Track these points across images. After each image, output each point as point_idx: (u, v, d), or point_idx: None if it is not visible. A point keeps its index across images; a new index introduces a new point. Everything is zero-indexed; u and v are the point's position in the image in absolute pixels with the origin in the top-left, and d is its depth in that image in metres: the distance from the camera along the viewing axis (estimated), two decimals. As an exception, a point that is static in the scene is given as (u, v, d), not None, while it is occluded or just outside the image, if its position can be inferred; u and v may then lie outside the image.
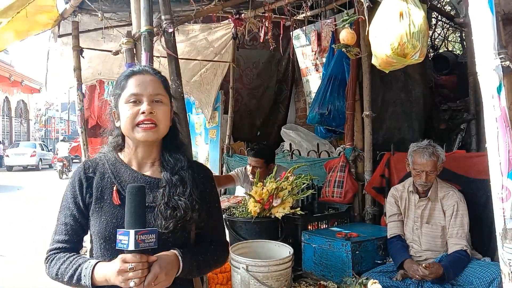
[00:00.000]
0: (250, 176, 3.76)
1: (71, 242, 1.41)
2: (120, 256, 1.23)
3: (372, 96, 3.72)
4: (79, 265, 1.32)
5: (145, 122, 1.36)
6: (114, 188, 1.39)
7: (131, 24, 4.14)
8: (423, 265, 2.56)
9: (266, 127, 6.37)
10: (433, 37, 5.95)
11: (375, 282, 2.30)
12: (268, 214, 3.03)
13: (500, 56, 0.93)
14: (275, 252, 2.79)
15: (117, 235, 1.23)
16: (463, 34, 5.75)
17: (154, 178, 1.43)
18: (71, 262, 1.34)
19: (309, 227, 3.32)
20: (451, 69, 5.07)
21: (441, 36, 6.05)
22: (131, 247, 1.18)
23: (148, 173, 1.45)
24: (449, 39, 6.75)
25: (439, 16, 5.73)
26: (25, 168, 23.36)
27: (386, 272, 2.80)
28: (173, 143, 1.49)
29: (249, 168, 3.79)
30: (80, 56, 4.14)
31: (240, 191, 4.51)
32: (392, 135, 3.93)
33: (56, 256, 1.39)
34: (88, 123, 7.93)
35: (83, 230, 1.42)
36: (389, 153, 3.62)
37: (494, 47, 0.94)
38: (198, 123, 6.78)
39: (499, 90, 0.93)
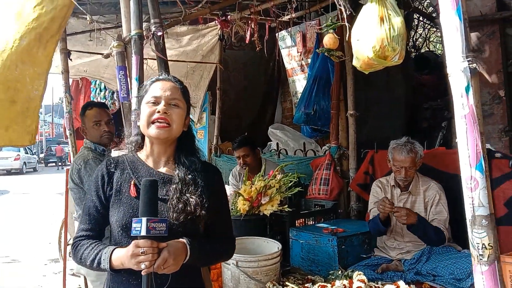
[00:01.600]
0: (243, 170, 3.87)
1: (94, 231, 1.56)
2: (134, 242, 1.35)
3: (356, 96, 3.84)
4: (100, 251, 1.46)
5: (159, 121, 1.50)
6: (132, 182, 1.53)
7: (118, 27, 4.22)
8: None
9: (253, 127, 6.44)
10: (414, 37, 6.10)
11: (359, 274, 2.39)
12: (256, 212, 3.12)
13: (468, 59, 1.03)
14: (264, 248, 2.88)
15: (132, 223, 1.36)
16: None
17: (168, 175, 1.57)
18: (93, 248, 1.49)
19: (296, 224, 3.41)
20: (432, 69, 5.21)
21: (423, 37, 6.21)
22: (143, 233, 1.31)
23: (163, 170, 1.59)
24: (430, 40, 6.92)
25: (420, 17, 5.88)
26: (9, 172, 23.03)
27: (371, 265, 2.89)
28: (189, 146, 1.64)
29: (238, 162, 3.97)
30: (68, 58, 4.17)
31: (227, 189, 4.58)
32: (375, 134, 4.05)
33: (80, 242, 1.53)
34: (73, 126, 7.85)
35: (104, 220, 1.57)
36: (372, 151, 3.73)
37: (462, 51, 1.03)
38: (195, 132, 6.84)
39: (467, 89, 1.03)
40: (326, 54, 2.55)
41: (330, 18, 2.40)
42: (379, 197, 3.07)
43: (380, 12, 1.83)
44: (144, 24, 2.51)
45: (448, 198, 2.88)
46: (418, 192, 2.95)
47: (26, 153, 25.28)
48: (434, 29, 6.71)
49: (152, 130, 1.51)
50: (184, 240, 1.45)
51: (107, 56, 2.72)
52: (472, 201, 1.04)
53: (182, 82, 1.66)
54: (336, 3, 2.00)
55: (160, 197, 1.46)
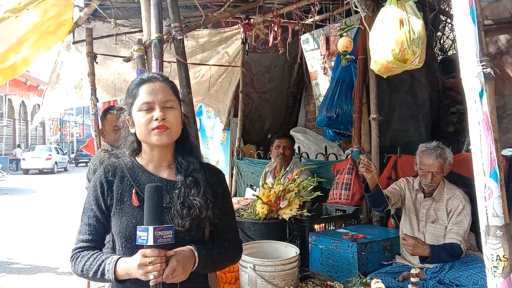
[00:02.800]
0: (277, 160, 4.18)
1: (94, 241, 1.50)
2: (140, 251, 1.32)
3: (378, 99, 3.76)
4: (103, 261, 1.41)
5: (159, 128, 1.45)
6: (133, 190, 1.48)
7: (141, 31, 4.30)
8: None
9: (276, 130, 6.43)
10: (441, 40, 5.95)
11: (378, 281, 2.34)
12: (275, 216, 3.10)
13: (482, 63, 0.99)
14: (282, 252, 2.86)
15: (137, 232, 1.32)
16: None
17: (170, 180, 1.52)
18: (95, 258, 1.44)
19: (316, 229, 3.37)
20: (459, 72, 5.06)
21: (450, 39, 6.05)
22: (150, 242, 1.28)
23: (164, 175, 1.54)
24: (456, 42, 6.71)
25: (447, 19, 5.74)
26: (41, 171, 23.77)
27: (392, 273, 2.83)
28: (185, 145, 1.59)
29: (277, 152, 4.17)
30: (94, 62, 4.28)
31: (249, 193, 4.59)
32: (398, 138, 3.96)
33: (80, 254, 1.48)
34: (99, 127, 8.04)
35: (105, 230, 1.52)
36: (395, 156, 3.66)
37: (476, 55, 1.00)
38: (208, 127, 6.88)
39: (481, 95, 0.99)
40: (342, 57, 2.52)
41: (345, 21, 2.37)
42: (400, 185, 3.07)
43: (399, 14, 1.79)
44: (165, 28, 2.55)
45: (474, 205, 2.79)
46: (442, 200, 2.87)
47: (58, 153, 26.04)
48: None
49: (154, 138, 1.46)
50: (191, 247, 1.42)
51: (128, 59, 2.77)
52: (486, 211, 1.00)
53: (168, 77, 1.58)
54: (352, 6, 1.97)
55: (164, 204, 1.41)
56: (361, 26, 2.10)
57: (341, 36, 2.36)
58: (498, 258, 0.99)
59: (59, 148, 28.06)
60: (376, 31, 1.90)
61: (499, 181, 0.98)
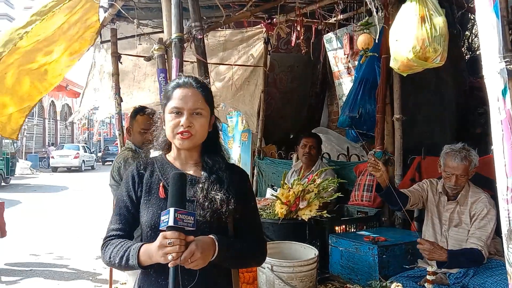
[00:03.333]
0: (303, 159, 4.18)
1: (124, 231, 1.57)
2: (161, 233, 1.36)
3: (402, 99, 3.68)
4: (128, 247, 1.48)
5: (184, 134, 1.53)
6: (161, 184, 1.56)
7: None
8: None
9: (299, 130, 6.38)
10: (470, 39, 5.79)
11: (398, 286, 2.29)
12: (295, 216, 3.07)
13: (505, 60, 0.94)
14: (301, 254, 2.82)
15: (161, 217, 1.37)
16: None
17: (195, 176, 1.59)
18: (122, 246, 1.50)
19: (337, 230, 3.33)
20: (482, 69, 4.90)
21: (478, 38, 5.88)
22: (171, 223, 1.31)
23: (190, 172, 1.61)
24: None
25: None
26: (69, 169, 24.38)
27: (414, 277, 2.76)
28: (213, 147, 1.66)
29: (302, 151, 4.16)
30: (118, 62, 4.34)
31: (269, 193, 4.57)
32: (423, 139, 3.87)
33: (110, 242, 1.55)
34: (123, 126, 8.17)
35: (134, 220, 1.59)
36: (419, 157, 3.57)
37: (499, 51, 0.95)
38: (230, 127, 6.90)
39: (504, 93, 0.94)
40: (363, 53, 2.47)
41: (366, 20, 2.32)
42: (423, 186, 2.99)
43: (420, 11, 1.74)
44: (186, 28, 2.56)
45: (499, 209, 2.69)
46: (466, 203, 2.77)
47: (85, 152, 26.66)
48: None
49: (177, 142, 1.55)
50: (212, 236, 1.45)
51: (149, 59, 2.80)
52: (508, 214, 0.95)
53: (204, 83, 1.65)
54: (367, 3, 1.93)
55: (188, 198, 1.46)
56: (385, 25, 2.05)
57: (362, 33, 2.31)
58: (520, 264, 0.94)
59: (86, 147, 28.72)
60: (397, 28, 1.85)
61: (523, 183, 0.93)
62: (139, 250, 1.44)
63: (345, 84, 5.54)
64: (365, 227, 3.48)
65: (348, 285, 2.78)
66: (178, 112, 1.54)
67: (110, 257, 1.51)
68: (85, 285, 5.17)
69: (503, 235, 0.98)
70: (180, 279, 1.32)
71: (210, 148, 1.65)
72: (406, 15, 1.81)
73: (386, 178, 2.84)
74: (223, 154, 1.69)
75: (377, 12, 3.41)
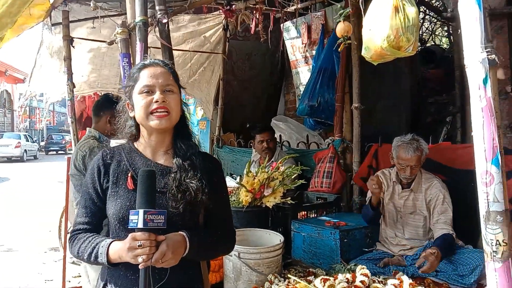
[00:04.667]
0: (263, 154, 4.17)
1: (91, 224, 1.52)
2: (131, 234, 1.32)
3: (361, 88, 3.79)
4: (97, 244, 1.42)
5: (159, 110, 1.45)
6: (129, 174, 1.49)
7: (121, 15, 4.17)
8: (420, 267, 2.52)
9: (256, 118, 6.40)
10: (421, 31, 6.04)
11: (363, 268, 2.38)
12: (259, 204, 3.10)
13: (487, 50, 0.99)
14: (266, 240, 2.86)
15: (129, 215, 1.33)
16: (450, 29, 5.85)
17: (166, 166, 1.53)
18: (90, 241, 1.45)
19: (298, 216, 3.39)
20: (438, 63, 5.17)
21: (429, 30, 6.15)
22: (140, 225, 1.27)
23: (161, 161, 1.54)
24: (436, 33, 6.85)
25: (427, 10, 5.82)
26: (10, 160, 23.03)
27: (373, 259, 2.87)
28: (184, 130, 1.59)
29: (260, 146, 4.17)
30: (71, 46, 4.12)
31: (229, 182, 4.58)
32: (380, 127, 4.02)
33: (77, 236, 1.50)
34: (83, 116, 7.83)
35: (101, 212, 1.53)
36: (376, 145, 3.70)
37: (481, 41, 1.00)
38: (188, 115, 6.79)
39: (485, 81, 1.00)
40: (341, 42, 2.50)
41: (340, 6, 2.35)
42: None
43: (394, 1, 1.79)
44: (149, 11, 2.47)
45: (452, 193, 2.85)
46: (420, 190, 2.89)
47: (27, 140, 25.27)
48: (440, 23, 6.64)
49: (153, 121, 1.47)
50: (183, 233, 1.41)
51: (111, 43, 2.68)
52: (487, 197, 1.01)
53: (169, 64, 1.61)
54: None
55: (159, 189, 1.41)
56: (351, 10, 2.08)
57: (342, 20, 2.33)
58: (497, 243, 1.00)
59: (28, 135, 27.20)
60: (370, 17, 1.90)
61: (500, 167, 0.99)
62: (108, 248, 1.39)
63: (303, 73, 5.62)
64: (325, 212, 3.58)
65: (311, 269, 2.84)
66: (149, 91, 1.48)
67: (78, 252, 1.47)
68: (35, 278, 4.94)
69: (481, 216, 1.04)
70: (150, 277, 1.30)
71: (182, 132, 1.58)
72: (380, 5, 1.85)
73: (381, 196, 2.86)
74: (195, 140, 1.62)
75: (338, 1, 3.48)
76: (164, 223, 1.31)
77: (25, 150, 24.14)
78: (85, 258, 1.44)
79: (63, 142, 30.19)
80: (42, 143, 31.87)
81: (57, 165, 17.81)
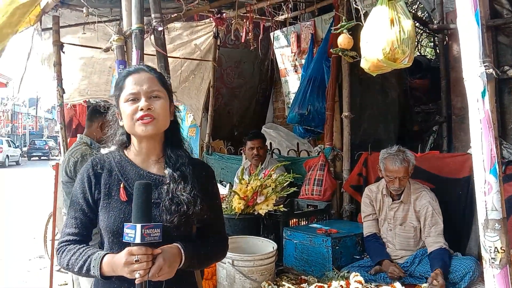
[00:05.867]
0: (253, 161, 4.18)
1: (80, 235, 1.47)
2: (127, 249, 1.29)
3: (351, 98, 3.85)
4: (89, 257, 1.39)
5: (144, 118, 1.41)
6: (121, 185, 1.45)
7: (113, 21, 4.16)
8: (428, 285, 2.53)
9: (245, 126, 6.43)
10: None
11: (357, 275, 2.41)
12: (251, 211, 3.11)
13: (485, 64, 1.04)
14: (259, 248, 2.87)
15: (124, 229, 1.29)
16: (436, 40, 5.98)
17: (159, 175, 1.49)
18: (81, 253, 1.41)
19: (290, 224, 3.41)
20: (424, 73, 5.27)
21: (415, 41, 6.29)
22: (138, 240, 1.25)
23: (153, 170, 1.51)
24: (422, 44, 7.00)
25: (414, 21, 5.95)
26: (-9, 165, 22.61)
27: (364, 266, 2.90)
28: (175, 138, 1.56)
29: (251, 153, 4.18)
30: (61, 51, 4.10)
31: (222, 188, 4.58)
32: (369, 136, 4.07)
33: (67, 248, 1.45)
34: (72, 123, 7.71)
35: (92, 223, 1.49)
36: (366, 153, 3.75)
37: (479, 56, 1.04)
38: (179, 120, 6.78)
39: (483, 94, 1.04)
40: (340, 53, 2.54)
41: (344, 18, 2.40)
42: (369, 209, 3.08)
43: (390, 14, 1.84)
44: (145, 19, 2.48)
45: (440, 201, 2.90)
46: (409, 201, 2.92)
47: (10, 146, 24.83)
48: (426, 34, 6.79)
49: (139, 128, 1.43)
50: (178, 244, 1.40)
51: (107, 49, 2.68)
52: (486, 205, 1.05)
53: (156, 69, 1.58)
54: (352, 3, 2.00)
55: (153, 200, 1.37)
56: (359, 23, 2.12)
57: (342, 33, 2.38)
58: (496, 250, 1.04)
59: (10, 141, 26.76)
60: (367, 30, 1.95)
61: (498, 177, 1.03)
62: (101, 261, 1.36)
63: (292, 82, 5.67)
64: (315, 220, 3.60)
65: (303, 276, 2.87)
66: (134, 99, 1.44)
67: (68, 264, 1.42)
68: (20, 287, 4.85)
69: (479, 223, 1.08)
70: None
71: (173, 139, 1.54)
72: (376, 18, 1.90)
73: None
74: (186, 148, 1.59)
75: (327, 12, 3.53)
76: (160, 236, 1.29)
77: (7, 155, 23.73)
78: (75, 270, 1.41)
79: (46, 148, 29.79)
80: (25, 149, 31.35)
81: (40, 171, 17.54)
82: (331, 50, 2.88)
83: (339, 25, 2.29)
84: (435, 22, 4.23)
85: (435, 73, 4.85)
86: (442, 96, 4.40)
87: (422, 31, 6.46)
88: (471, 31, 1.05)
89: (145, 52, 2.40)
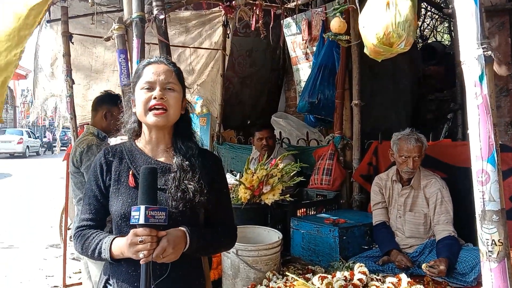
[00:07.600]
0: (262, 152, 4.12)
1: (95, 221, 1.55)
2: (132, 230, 1.34)
3: (361, 85, 3.77)
4: (100, 240, 1.47)
5: (156, 107, 1.48)
6: (130, 172, 1.52)
7: (121, 10, 4.15)
8: (428, 265, 2.49)
9: (256, 115, 6.38)
10: (422, 27, 6.00)
11: (361, 266, 2.36)
12: (258, 201, 3.08)
13: (483, 46, 0.97)
14: (264, 237, 2.85)
15: (131, 212, 1.34)
16: (452, 25, 5.80)
17: (166, 164, 1.55)
18: (93, 238, 1.49)
19: (298, 214, 3.38)
20: (439, 60, 5.13)
21: (430, 27, 6.11)
22: (141, 221, 1.29)
23: (161, 159, 1.57)
24: (438, 30, 6.80)
25: (429, 6, 5.77)
26: (12, 156, 23.08)
27: (372, 257, 2.86)
28: (186, 131, 1.61)
29: (260, 143, 4.16)
30: (70, 42, 4.12)
31: (227, 178, 4.58)
32: (379, 124, 3.99)
33: (82, 233, 1.53)
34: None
35: (105, 209, 1.56)
36: (376, 142, 3.68)
37: (477, 38, 0.98)
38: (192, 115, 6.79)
39: (481, 78, 0.98)
40: (332, 38, 2.47)
41: (338, 1, 2.33)
42: (378, 198, 3.04)
43: (387, -4, 1.76)
44: (146, 7, 2.45)
45: (452, 191, 2.83)
46: (419, 187, 2.88)
47: (30, 137, 25.30)
48: (442, 19, 6.59)
49: (150, 118, 1.49)
50: (183, 228, 1.43)
51: (108, 39, 2.67)
52: (483, 195, 0.99)
53: (175, 63, 1.63)
54: None
55: (159, 186, 1.43)
56: (352, 6, 2.05)
57: (338, 16, 2.31)
58: (493, 242, 0.99)
59: (31, 131, 27.24)
60: (364, 15, 1.87)
61: (497, 166, 0.97)
62: (111, 244, 1.43)
63: (303, 70, 5.58)
64: (324, 209, 3.56)
65: (310, 266, 2.84)
66: (150, 88, 1.50)
67: (82, 248, 1.51)
68: (36, 274, 4.95)
69: (476, 215, 1.03)
70: (151, 273, 1.32)
71: (183, 132, 1.60)
72: (374, 2, 1.83)
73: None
74: (196, 139, 1.65)
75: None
76: (165, 219, 1.33)
77: (28, 146, 24.19)
78: (88, 254, 1.48)
79: (66, 138, 30.25)
80: (45, 139, 31.91)
81: (59, 161, 17.85)
82: (324, 35, 2.80)
83: (332, 8, 2.22)
84: (450, 6, 4.09)
85: (450, 60, 4.71)
86: (457, 83, 4.28)
87: (437, 16, 6.28)
88: (468, 10, 0.98)
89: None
